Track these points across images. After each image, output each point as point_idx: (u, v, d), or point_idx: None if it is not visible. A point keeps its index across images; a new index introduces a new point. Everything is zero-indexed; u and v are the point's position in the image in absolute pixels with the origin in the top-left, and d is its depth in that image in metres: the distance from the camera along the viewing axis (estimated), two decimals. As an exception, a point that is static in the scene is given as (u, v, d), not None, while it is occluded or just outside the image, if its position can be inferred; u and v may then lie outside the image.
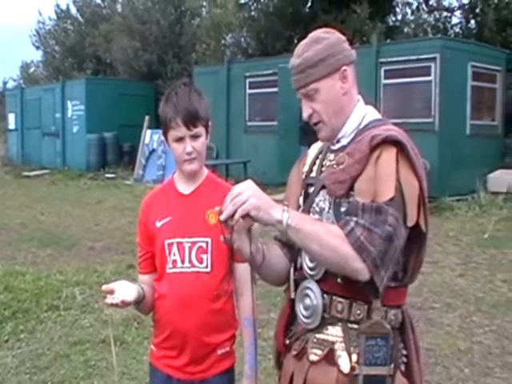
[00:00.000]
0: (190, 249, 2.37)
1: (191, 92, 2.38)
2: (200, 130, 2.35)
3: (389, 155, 1.91)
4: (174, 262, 2.38)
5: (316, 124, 2.11)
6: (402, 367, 2.02)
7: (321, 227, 1.90)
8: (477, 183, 12.38)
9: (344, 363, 1.96)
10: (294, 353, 2.13)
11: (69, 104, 22.07)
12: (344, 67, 2.05)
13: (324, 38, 2.05)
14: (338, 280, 1.97)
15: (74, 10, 32.44)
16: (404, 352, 2.03)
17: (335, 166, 2.04)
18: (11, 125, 26.59)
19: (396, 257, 1.89)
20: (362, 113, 2.10)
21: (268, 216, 1.85)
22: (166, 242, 2.39)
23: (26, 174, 21.63)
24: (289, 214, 1.85)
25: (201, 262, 2.37)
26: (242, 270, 2.41)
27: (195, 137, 2.34)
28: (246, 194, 1.84)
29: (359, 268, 1.83)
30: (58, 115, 22.64)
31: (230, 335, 2.47)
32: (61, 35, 32.70)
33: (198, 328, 2.36)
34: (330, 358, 2.00)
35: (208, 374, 2.41)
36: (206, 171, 2.51)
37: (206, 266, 2.37)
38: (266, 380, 4.50)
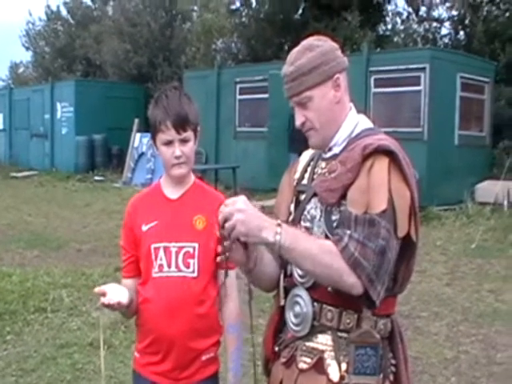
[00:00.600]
0: (177, 253, 2.36)
1: (181, 96, 2.38)
2: (189, 134, 2.35)
3: (381, 165, 1.92)
4: (161, 266, 2.37)
5: (307, 131, 2.10)
6: (391, 377, 2.02)
7: (314, 245, 1.89)
8: (464, 193, 12.44)
9: (333, 372, 1.96)
10: (283, 360, 2.12)
11: (58, 105, 21.96)
12: (337, 75, 2.04)
13: (317, 46, 2.04)
14: (329, 289, 1.97)
15: (64, 12, 32.36)
16: (393, 361, 2.03)
17: (327, 173, 2.04)
18: (-1, 125, 26.47)
19: (390, 269, 1.91)
20: (354, 121, 2.10)
21: (259, 239, 1.85)
22: (153, 246, 2.38)
23: (13, 174, 21.48)
24: (281, 236, 1.83)
25: (188, 266, 2.36)
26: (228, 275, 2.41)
27: (184, 141, 2.34)
28: (234, 220, 1.82)
29: (353, 283, 1.84)
30: (46, 116, 22.53)
31: (215, 341, 2.46)
32: (51, 36, 32.53)
33: (183, 333, 2.34)
34: (319, 366, 1.99)
35: (193, 380, 2.40)
36: (192, 177, 2.50)
37: (193, 271, 2.36)
38: (254, 385, 4.51)
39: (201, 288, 2.37)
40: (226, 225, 1.83)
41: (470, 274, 8.01)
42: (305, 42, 2.08)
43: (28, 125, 23.84)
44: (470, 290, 7.21)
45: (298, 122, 2.09)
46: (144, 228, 2.41)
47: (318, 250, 1.86)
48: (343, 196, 1.95)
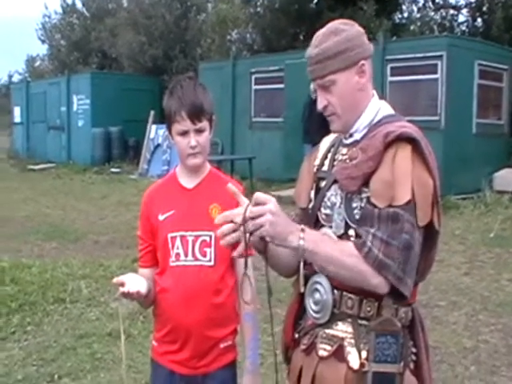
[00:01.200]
0: (194, 242, 2.37)
1: (196, 86, 2.38)
2: (204, 124, 2.35)
3: (404, 155, 1.90)
4: (177, 255, 2.38)
5: (329, 115, 2.08)
6: (411, 365, 2.00)
7: (336, 249, 1.88)
8: (482, 182, 12.34)
9: (353, 360, 1.95)
10: (303, 347, 2.11)
11: (74, 98, 22.06)
12: (362, 61, 2.01)
13: (343, 30, 2.01)
14: None
15: (79, 5, 32.56)
16: (413, 350, 2.02)
17: (348, 160, 2.02)
18: (17, 118, 26.64)
19: (417, 261, 1.90)
20: (376, 108, 2.08)
21: (284, 243, 1.84)
22: (169, 235, 2.39)
23: (31, 167, 21.65)
24: (304, 241, 1.83)
25: (204, 255, 2.36)
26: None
27: (199, 131, 2.34)
28: (264, 219, 1.79)
29: (377, 283, 1.85)
30: (63, 109, 22.63)
31: (232, 329, 2.47)
32: (66, 29, 32.77)
33: (200, 322, 2.35)
34: (339, 354, 1.99)
35: (211, 368, 2.41)
36: (208, 166, 2.50)
37: (210, 260, 2.37)
38: (272, 375, 4.50)
39: (218, 277, 2.38)
40: (256, 221, 1.80)
41: (489, 263, 7.95)
42: (331, 25, 2.04)
43: (45, 118, 23.96)
44: (488, 280, 7.16)
45: (320, 105, 2.07)
46: (161, 218, 2.42)
47: (340, 254, 1.86)
48: (364, 184, 1.94)
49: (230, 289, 2.43)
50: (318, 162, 2.21)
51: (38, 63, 41.76)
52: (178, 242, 2.38)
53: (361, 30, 2.05)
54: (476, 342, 5.25)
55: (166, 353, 2.45)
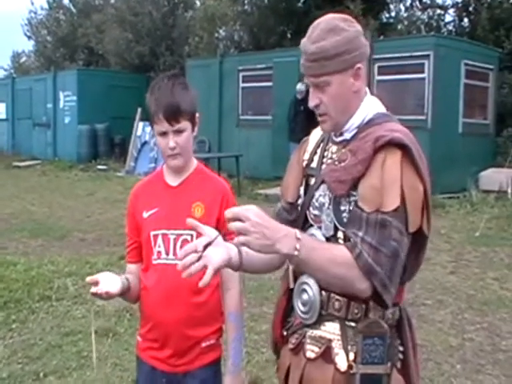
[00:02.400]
0: (175, 241, 2.36)
1: (175, 86, 2.35)
2: (183, 124, 2.33)
3: (393, 160, 1.88)
4: (159, 253, 2.38)
5: (321, 115, 2.05)
6: (398, 364, 2.00)
7: (327, 258, 1.85)
8: (468, 181, 12.42)
9: (341, 361, 1.95)
10: (291, 346, 2.11)
11: (60, 95, 21.95)
12: (358, 65, 1.98)
13: (343, 30, 1.96)
14: None
15: (66, 0, 32.34)
16: (400, 349, 2.02)
17: (337, 162, 1.99)
18: (2, 114, 26.39)
19: (402, 268, 1.90)
20: (368, 107, 2.05)
21: (272, 252, 1.82)
22: (152, 233, 2.39)
23: (16, 164, 21.51)
24: (299, 252, 1.80)
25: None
26: None
27: (178, 131, 2.32)
28: (248, 239, 1.77)
29: (363, 289, 1.85)
30: (49, 106, 22.53)
31: (216, 328, 2.46)
32: (53, 25, 32.52)
33: (180, 321, 2.35)
34: (327, 355, 1.99)
35: (192, 367, 2.40)
36: (195, 162, 2.49)
37: None
38: (258, 373, 4.51)
39: (199, 276, 2.37)
40: (240, 239, 1.77)
41: (475, 262, 7.99)
42: (331, 21, 1.99)
43: (30, 114, 23.83)
44: (474, 278, 7.20)
45: (311, 103, 2.03)
46: (145, 215, 2.42)
47: (331, 261, 1.85)
48: (352, 187, 1.92)
49: (213, 288, 2.42)
50: (307, 156, 2.19)
51: (23, 59, 41.48)
52: (159, 240, 2.39)
53: (359, 29, 2.01)
54: (462, 340, 5.28)
55: (148, 348, 2.46)
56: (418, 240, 1.96)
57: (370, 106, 2.07)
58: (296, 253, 1.79)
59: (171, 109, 2.29)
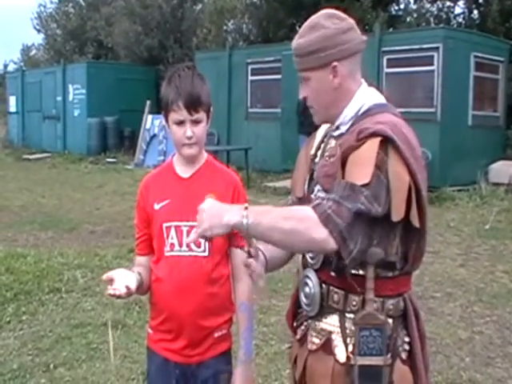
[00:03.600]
0: (188, 233, 2.34)
1: (194, 76, 2.35)
2: (201, 115, 2.33)
3: (370, 144, 1.86)
4: (172, 245, 2.38)
5: (310, 107, 2.12)
6: (403, 355, 2.01)
7: (279, 215, 1.86)
8: (478, 174, 12.38)
9: (340, 353, 1.99)
10: (298, 337, 2.17)
11: (70, 87, 21.98)
12: (334, 63, 1.98)
13: (322, 27, 1.98)
14: (332, 273, 1.99)
15: (75, -6, 32.34)
16: (406, 339, 2.02)
17: (327, 158, 2.03)
18: (12, 107, 26.52)
19: (369, 235, 1.86)
20: (362, 99, 2.04)
21: (223, 226, 1.88)
22: (164, 225, 2.38)
23: (26, 156, 21.60)
24: (247, 218, 1.83)
25: (199, 246, 2.36)
26: (240, 255, 2.39)
27: (196, 122, 2.32)
28: (199, 223, 1.93)
29: (324, 238, 1.79)
30: (59, 98, 22.57)
31: (227, 318, 2.47)
32: (62, 18, 32.57)
33: (194, 312, 2.35)
34: (327, 346, 2.02)
35: (205, 357, 2.41)
36: (205, 155, 2.49)
37: (204, 251, 2.36)
38: (267, 365, 4.52)
39: (212, 267, 2.38)
40: (197, 231, 1.94)
41: (484, 254, 7.97)
42: (315, 18, 2.04)
43: (40, 107, 23.88)
44: (483, 271, 7.18)
45: (300, 95, 2.14)
46: (156, 207, 2.42)
47: (283, 216, 1.85)
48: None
49: (225, 278, 2.43)
50: (313, 151, 2.21)
51: (33, 52, 41.60)
52: (172, 232, 2.38)
53: (344, 26, 2.00)
54: (471, 334, 5.26)
55: (160, 340, 2.46)
56: (415, 231, 1.95)
57: (366, 97, 2.06)
58: (244, 220, 1.83)
59: (192, 98, 2.29)
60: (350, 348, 1.95)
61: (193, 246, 2.36)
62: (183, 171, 2.45)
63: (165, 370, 2.44)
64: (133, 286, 2.25)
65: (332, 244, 1.80)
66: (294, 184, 2.25)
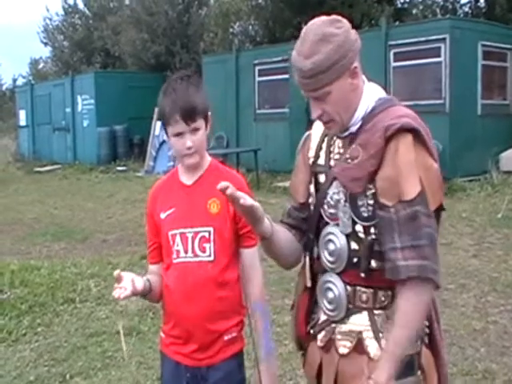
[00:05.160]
0: (193, 239, 2.38)
1: (189, 86, 2.36)
2: (199, 123, 2.34)
3: (406, 147, 1.88)
4: (178, 252, 2.40)
5: (326, 123, 2.03)
6: (426, 339, 2.03)
7: (405, 329, 1.90)
8: (489, 163, 12.31)
9: (373, 350, 1.97)
10: (321, 344, 2.12)
11: (79, 98, 22.11)
12: (354, 64, 1.95)
13: (333, 35, 1.90)
14: (362, 274, 1.97)
15: (81, 5, 32.55)
16: (426, 323, 2.03)
17: (349, 160, 1.98)
18: (22, 121, 26.71)
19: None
20: (369, 97, 2.03)
21: None
22: (170, 233, 2.41)
23: (37, 169, 21.75)
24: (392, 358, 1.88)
25: (203, 251, 2.37)
26: (249, 255, 2.43)
27: (194, 130, 2.34)
28: None
29: (433, 289, 1.92)
30: (68, 110, 22.69)
31: (237, 321, 2.47)
32: (69, 30, 32.79)
33: (203, 317, 2.37)
34: (359, 347, 2.00)
35: (215, 360, 2.42)
36: (209, 159, 2.50)
37: (209, 255, 2.37)
38: (282, 365, 4.52)
39: (218, 271, 2.39)
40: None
41: (497, 244, 7.92)
42: (319, 31, 1.92)
43: (50, 119, 24.02)
44: (497, 261, 7.13)
45: (314, 115, 2.02)
46: (162, 216, 2.45)
47: (410, 328, 1.90)
48: (368, 182, 1.93)
49: (234, 281, 2.44)
50: (312, 153, 2.17)
51: (41, 65, 41.86)
52: (178, 239, 2.40)
53: (347, 25, 1.97)
54: (485, 324, 5.23)
55: (172, 344, 2.48)
56: (436, 216, 1.98)
57: (371, 94, 2.05)
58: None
59: (188, 110, 2.31)
60: (383, 343, 1.94)
61: (198, 252, 2.38)
62: (186, 179, 2.47)
63: (176, 373, 2.47)
64: (139, 284, 2.28)
65: (439, 285, 1.91)
66: (295, 190, 2.22)
